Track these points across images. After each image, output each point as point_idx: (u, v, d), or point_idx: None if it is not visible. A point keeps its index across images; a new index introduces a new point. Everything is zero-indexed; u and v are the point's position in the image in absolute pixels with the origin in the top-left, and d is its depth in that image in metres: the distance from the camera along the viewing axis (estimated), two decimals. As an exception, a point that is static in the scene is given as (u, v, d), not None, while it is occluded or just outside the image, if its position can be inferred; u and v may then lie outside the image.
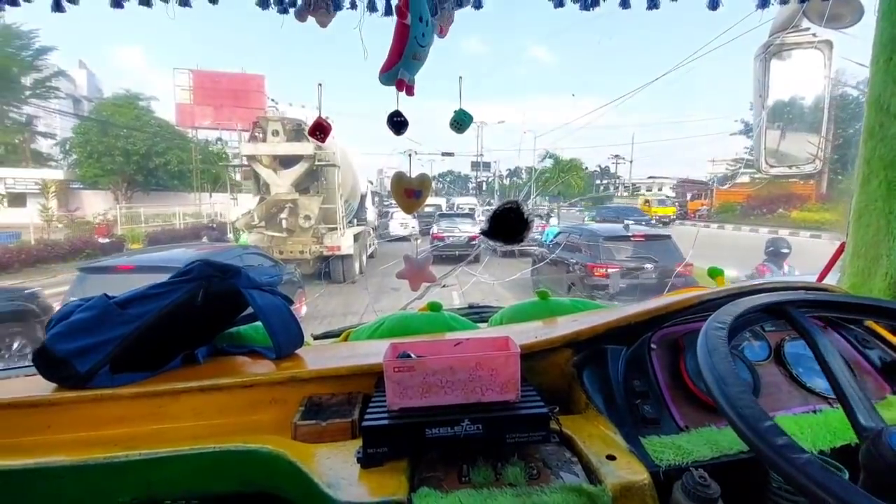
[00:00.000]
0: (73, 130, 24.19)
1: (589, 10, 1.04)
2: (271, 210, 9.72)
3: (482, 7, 1.01)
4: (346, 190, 10.97)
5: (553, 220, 12.44)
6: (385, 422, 0.71)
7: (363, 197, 13.18)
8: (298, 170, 9.77)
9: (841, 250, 1.19)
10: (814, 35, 1.34)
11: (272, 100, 32.50)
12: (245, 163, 10.35)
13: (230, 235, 13.07)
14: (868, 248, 1.11)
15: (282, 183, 9.69)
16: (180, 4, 0.94)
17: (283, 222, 9.76)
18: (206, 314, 0.96)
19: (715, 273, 1.32)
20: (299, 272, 8.23)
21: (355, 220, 12.44)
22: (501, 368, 0.75)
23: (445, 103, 1.15)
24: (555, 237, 10.36)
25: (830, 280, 1.22)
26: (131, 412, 0.88)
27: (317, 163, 9.87)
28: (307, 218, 9.67)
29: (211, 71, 30.11)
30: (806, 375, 0.92)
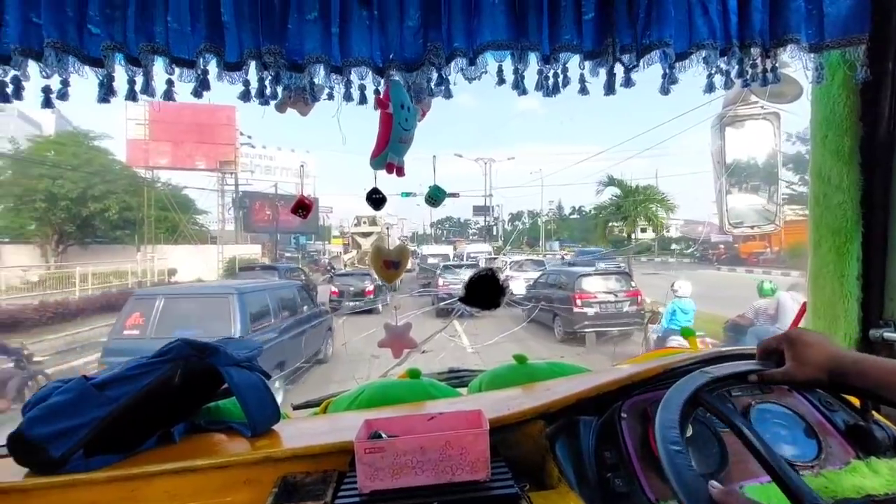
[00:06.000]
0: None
1: (550, 96, 1.12)
2: (361, 256, 21.38)
3: (452, 97, 1.10)
4: (391, 247, 21.64)
5: (683, 288, 6.87)
6: (355, 508, 0.72)
7: (400, 247, 23.02)
8: (373, 238, 23.05)
9: (803, 311, 1.24)
10: (762, 108, 1.46)
11: (248, 136, 29.64)
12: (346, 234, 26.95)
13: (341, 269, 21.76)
14: (826, 308, 1.16)
15: (365, 244, 22.97)
16: (164, 98, 1.01)
17: (366, 261, 18.32)
18: (183, 393, 0.97)
19: (687, 333, 1.35)
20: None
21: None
22: (471, 447, 0.77)
23: (447, 149, 1.26)
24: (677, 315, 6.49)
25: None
26: (105, 497, 0.87)
27: (381, 234, 22.40)
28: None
29: (172, 102, 26.43)
30: (773, 441, 0.93)
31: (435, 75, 1.08)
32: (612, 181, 20.67)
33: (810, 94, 1.17)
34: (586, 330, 9.15)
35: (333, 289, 13.46)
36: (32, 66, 0.96)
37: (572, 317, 9.26)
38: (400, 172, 1.10)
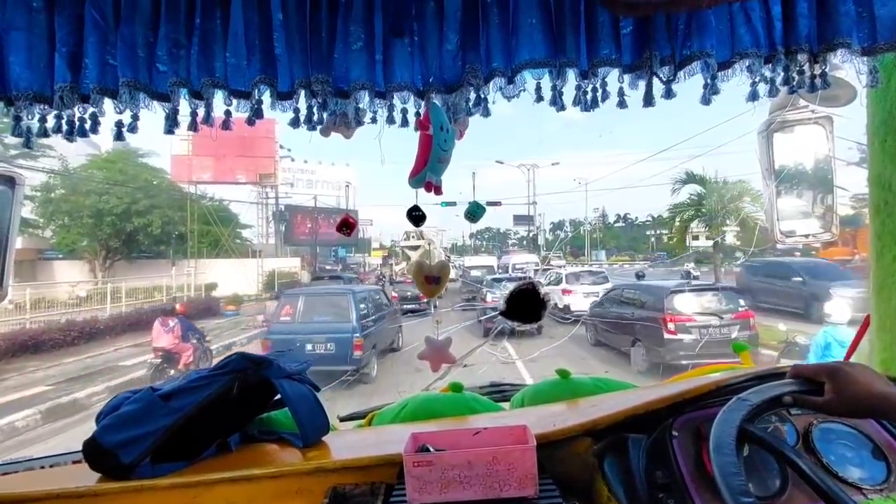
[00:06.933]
0: (33, 189, 18.75)
1: (589, 111, 1.13)
2: (411, 266, 22.96)
3: (490, 115, 1.12)
4: (435, 257, 24.62)
5: (839, 312, 4.75)
6: (405, 520, 0.73)
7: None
8: (420, 251, 28.66)
9: (867, 325, 1.17)
10: (812, 111, 1.40)
11: (287, 149, 30.47)
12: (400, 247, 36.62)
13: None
14: (892, 322, 1.09)
15: (414, 256, 25.77)
16: (223, 128, 1.09)
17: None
18: (240, 404, 1.02)
19: (739, 348, 1.30)
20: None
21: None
22: (518, 463, 0.77)
23: (488, 157, 1.27)
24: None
25: (858, 357, 1.19)
26: (169, 502, 0.93)
27: (426, 248, 28.22)
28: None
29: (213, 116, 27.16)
30: (838, 464, 0.89)
31: (473, 95, 1.11)
32: (691, 177, 16.48)
33: (865, 97, 1.12)
34: (682, 362, 6.79)
35: (394, 293, 16.11)
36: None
37: (661, 345, 7.14)
38: (438, 191, 1.13)
